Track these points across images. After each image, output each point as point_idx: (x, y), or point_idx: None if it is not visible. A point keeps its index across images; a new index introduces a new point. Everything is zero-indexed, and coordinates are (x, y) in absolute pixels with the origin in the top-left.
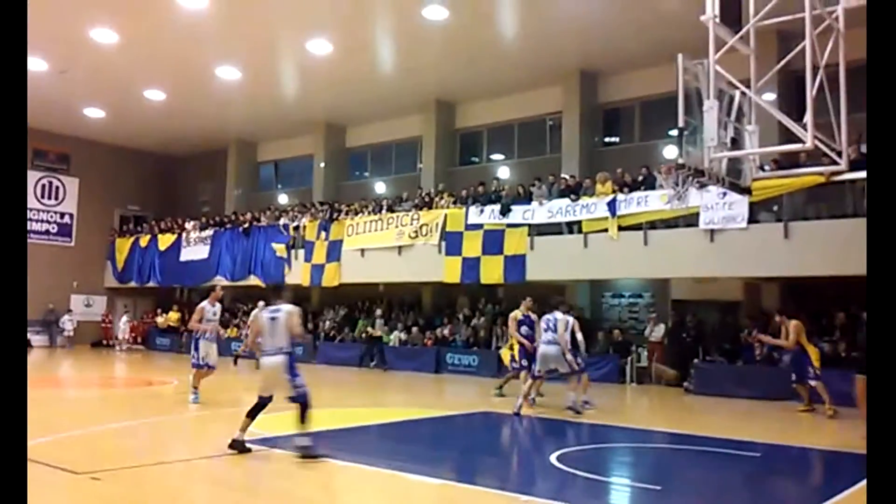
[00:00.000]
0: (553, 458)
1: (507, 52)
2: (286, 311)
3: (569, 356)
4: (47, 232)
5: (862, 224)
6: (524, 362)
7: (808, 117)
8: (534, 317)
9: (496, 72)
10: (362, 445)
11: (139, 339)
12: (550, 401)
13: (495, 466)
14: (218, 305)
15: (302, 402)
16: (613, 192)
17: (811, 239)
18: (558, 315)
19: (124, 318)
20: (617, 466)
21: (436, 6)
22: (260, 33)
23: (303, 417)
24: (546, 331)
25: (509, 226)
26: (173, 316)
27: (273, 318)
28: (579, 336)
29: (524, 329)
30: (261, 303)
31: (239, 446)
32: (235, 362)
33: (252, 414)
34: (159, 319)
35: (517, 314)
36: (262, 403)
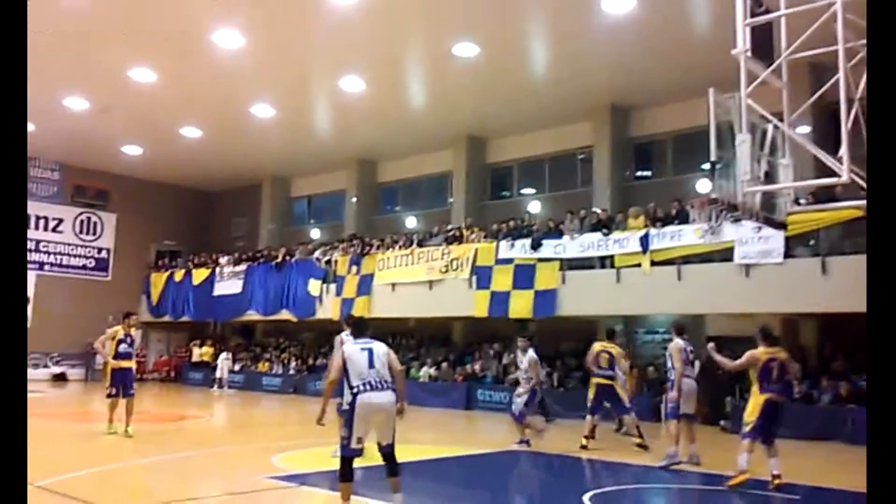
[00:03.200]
0: (586, 499)
1: (537, 87)
2: (379, 344)
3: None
4: (84, 267)
5: None
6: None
7: (843, 150)
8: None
9: (527, 107)
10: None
11: (172, 373)
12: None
13: None
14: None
15: (393, 454)
16: (646, 226)
17: (849, 274)
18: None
19: (221, 356)
20: None
21: (466, 43)
22: (294, 72)
23: (399, 472)
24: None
25: (540, 260)
26: (207, 350)
27: (369, 350)
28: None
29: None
30: (343, 335)
31: None
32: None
33: (349, 475)
34: (196, 351)
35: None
36: (352, 457)
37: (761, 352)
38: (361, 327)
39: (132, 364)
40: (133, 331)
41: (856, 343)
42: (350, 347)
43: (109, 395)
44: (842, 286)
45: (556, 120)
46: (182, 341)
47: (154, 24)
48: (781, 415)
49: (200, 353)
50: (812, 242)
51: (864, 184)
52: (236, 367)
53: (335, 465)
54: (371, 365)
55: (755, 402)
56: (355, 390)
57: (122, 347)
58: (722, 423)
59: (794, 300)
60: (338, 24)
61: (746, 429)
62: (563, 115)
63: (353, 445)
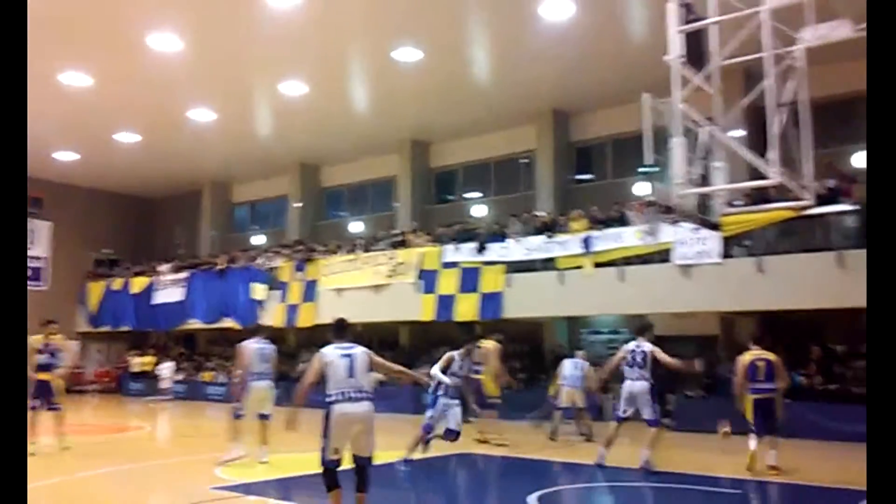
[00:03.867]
0: (533, 499)
1: (480, 92)
2: (361, 349)
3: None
4: None
5: (831, 258)
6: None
7: (771, 154)
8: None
9: (470, 111)
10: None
11: (112, 384)
12: (525, 439)
13: None
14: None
15: (368, 469)
16: (587, 228)
17: (784, 273)
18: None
19: (166, 365)
20: None
21: (409, 48)
22: (233, 76)
23: (367, 488)
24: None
25: (486, 263)
26: (149, 360)
27: (349, 356)
28: None
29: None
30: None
31: None
32: None
33: (334, 483)
34: (136, 361)
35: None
36: (333, 470)
37: (748, 355)
38: (342, 330)
39: (50, 377)
40: (58, 340)
41: (792, 340)
42: (330, 352)
43: (32, 408)
44: (778, 285)
45: (499, 124)
46: (122, 351)
47: (89, 27)
48: (772, 411)
49: (141, 362)
50: (748, 243)
51: (791, 186)
52: (179, 377)
53: (279, 473)
54: (351, 374)
55: (747, 405)
56: (331, 399)
57: (42, 358)
58: (665, 420)
59: (732, 299)
60: (278, 27)
61: (751, 427)
62: (506, 120)
63: (330, 456)
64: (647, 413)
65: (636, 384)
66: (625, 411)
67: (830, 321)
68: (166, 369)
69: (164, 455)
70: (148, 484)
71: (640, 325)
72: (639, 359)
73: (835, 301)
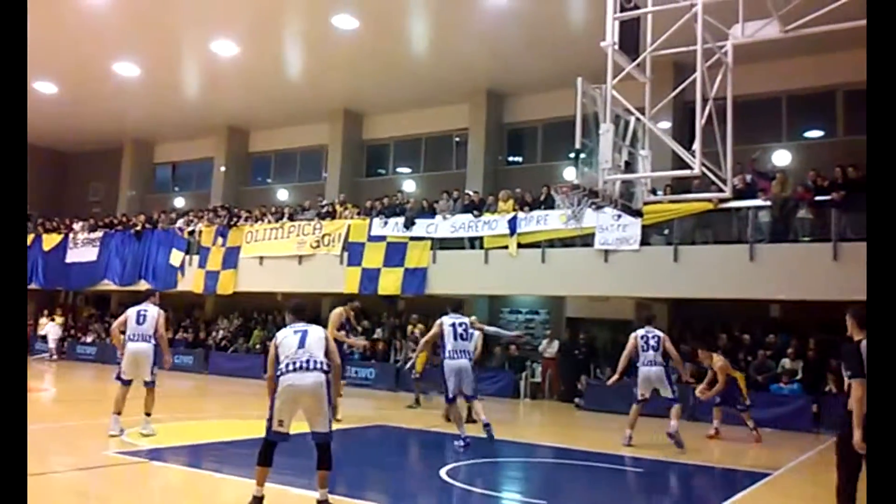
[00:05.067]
0: (443, 473)
1: (416, 67)
2: (318, 328)
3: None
4: None
5: (744, 250)
6: None
7: (696, 145)
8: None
9: (405, 86)
10: (248, 459)
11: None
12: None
13: (386, 481)
14: None
15: (328, 444)
16: (514, 210)
17: (699, 262)
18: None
19: (51, 326)
20: (506, 481)
21: (345, 16)
22: (162, 30)
23: (329, 465)
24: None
25: (412, 239)
26: (58, 320)
27: (302, 332)
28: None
29: None
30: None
31: None
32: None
33: (266, 460)
34: (43, 322)
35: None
36: (274, 443)
37: (723, 361)
38: (300, 312)
39: None
40: None
41: (702, 327)
42: (283, 332)
43: None
44: (691, 273)
45: (433, 101)
46: (29, 311)
47: None
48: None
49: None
50: (666, 231)
51: (713, 177)
52: (89, 339)
53: (189, 440)
54: (301, 345)
55: (743, 380)
56: (279, 371)
57: None
58: (576, 400)
59: (648, 285)
60: None
61: (747, 401)
62: (441, 97)
63: (274, 428)
64: (667, 392)
65: (652, 369)
66: (643, 395)
67: (739, 311)
68: (52, 329)
69: (68, 418)
70: (49, 447)
71: (647, 315)
72: (653, 342)
73: (744, 292)
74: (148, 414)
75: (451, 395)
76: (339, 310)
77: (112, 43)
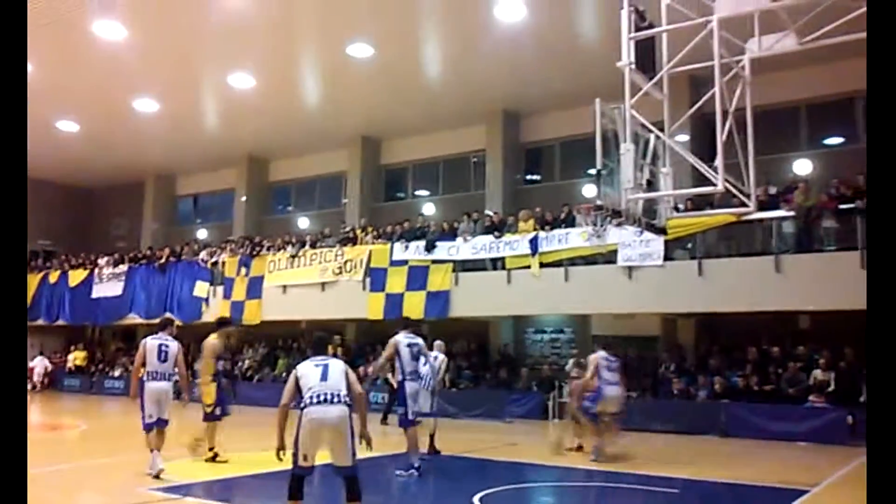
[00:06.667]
0: (476, 500)
1: (432, 90)
2: (339, 361)
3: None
4: None
5: (770, 262)
6: None
7: (718, 161)
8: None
9: (421, 109)
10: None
11: (45, 381)
12: (473, 437)
13: None
14: None
15: (355, 476)
16: (535, 229)
17: (724, 276)
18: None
19: (39, 360)
20: None
21: (360, 44)
22: (180, 66)
23: (359, 496)
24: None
25: (434, 262)
26: (79, 355)
27: (323, 365)
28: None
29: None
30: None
31: None
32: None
33: (296, 494)
34: (70, 357)
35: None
36: (301, 476)
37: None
38: (320, 346)
39: None
40: None
41: (730, 341)
42: (304, 365)
43: None
44: (716, 287)
45: (450, 123)
46: (57, 346)
47: (31, 11)
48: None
49: (73, 358)
50: (689, 245)
51: (735, 191)
52: (116, 373)
53: (219, 474)
54: (324, 377)
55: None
56: (303, 404)
57: None
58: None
59: (674, 300)
60: (228, 18)
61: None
62: (458, 119)
63: (300, 463)
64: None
65: (616, 388)
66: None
67: (767, 324)
68: (38, 364)
69: (99, 454)
70: (81, 485)
71: (606, 342)
72: (614, 366)
73: (772, 304)
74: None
75: (410, 418)
76: (212, 339)
77: (131, 80)
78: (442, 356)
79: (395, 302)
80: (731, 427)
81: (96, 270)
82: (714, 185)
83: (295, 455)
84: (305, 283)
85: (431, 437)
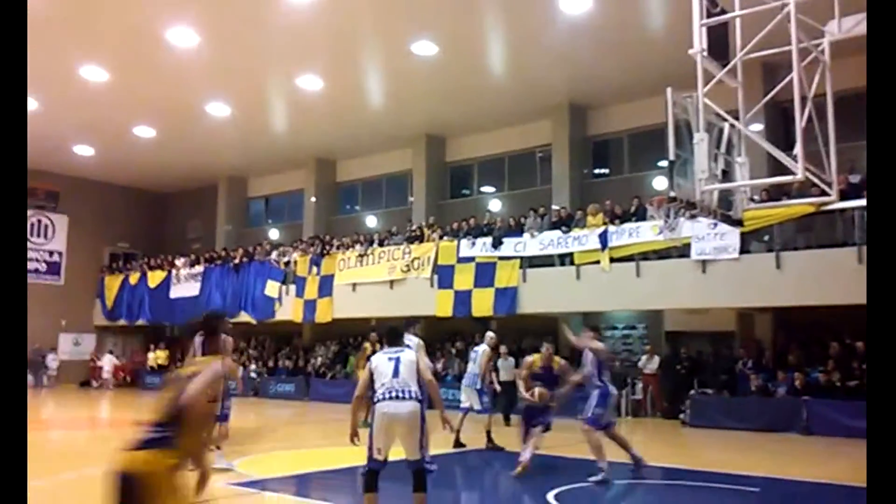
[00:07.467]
0: (551, 497)
1: (496, 86)
2: (411, 352)
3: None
4: (36, 271)
5: (852, 253)
6: None
7: (798, 149)
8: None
9: (486, 106)
10: (354, 486)
11: (128, 379)
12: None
13: None
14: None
15: (426, 471)
16: (604, 223)
17: (803, 268)
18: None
19: (107, 357)
20: None
21: (425, 42)
22: (250, 70)
23: (424, 488)
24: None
25: (501, 258)
26: (160, 354)
27: (395, 359)
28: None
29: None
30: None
31: None
32: None
33: (371, 487)
34: (151, 356)
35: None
36: (376, 470)
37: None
38: (394, 337)
39: None
40: None
41: (809, 335)
42: (378, 357)
43: None
44: (795, 280)
45: (515, 118)
46: (138, 346)
47: (106, 22)
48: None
49: (155, 357)
50: (766, 238)
51: (816, 181)
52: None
53: (295, 469)
54: (396, 373)
55: None
56: (376, 399)
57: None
58: (681, 416)
59: (749, 294)
60: (294, 21)
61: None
62: (522, 114)
63: (374, 456)
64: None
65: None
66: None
67: (849, 317)
68: (106, 362)
69: None
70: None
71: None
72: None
73: (854, 297)
74: (218, 448)
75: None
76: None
77: (203, 86)
78: (482, 347)
79: (463, 299)
80: (814, 425)
81: (174, 271)
82: (794, 174)
83: (370, 449)
84: (374, 280)
85: (488, 432)
